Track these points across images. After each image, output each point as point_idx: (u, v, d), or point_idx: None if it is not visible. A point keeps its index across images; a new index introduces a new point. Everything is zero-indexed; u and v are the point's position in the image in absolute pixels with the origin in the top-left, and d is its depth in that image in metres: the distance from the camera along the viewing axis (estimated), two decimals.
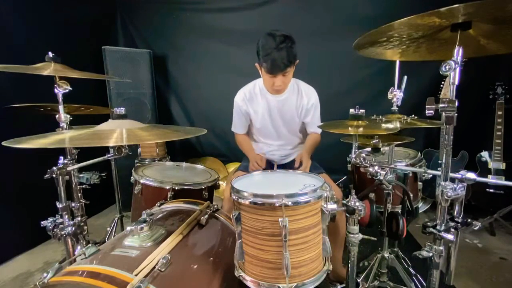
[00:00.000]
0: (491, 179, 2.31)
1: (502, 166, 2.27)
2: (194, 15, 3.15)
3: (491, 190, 2.29)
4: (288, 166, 1.83)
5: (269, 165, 1.84)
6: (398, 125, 1.27)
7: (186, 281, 0.89)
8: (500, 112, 2.28)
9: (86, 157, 1.30)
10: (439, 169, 0.92)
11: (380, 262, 1.57)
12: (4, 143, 0.81)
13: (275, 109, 1.67)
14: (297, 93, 1.66)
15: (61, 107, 1.29)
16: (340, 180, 2.53)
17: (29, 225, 1.87)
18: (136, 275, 0.78)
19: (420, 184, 1.72)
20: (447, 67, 0.82)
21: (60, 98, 1.28)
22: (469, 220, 0.90)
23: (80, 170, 1.38)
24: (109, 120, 1.04)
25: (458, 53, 0.83)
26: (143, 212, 1.10)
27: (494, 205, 2.28)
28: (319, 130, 1.74)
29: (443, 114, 0.84)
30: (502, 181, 2.15)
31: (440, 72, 0.84)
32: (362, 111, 1.37)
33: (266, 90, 1.65)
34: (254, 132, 1.86)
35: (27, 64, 1.26)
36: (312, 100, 1.68)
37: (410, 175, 1.60)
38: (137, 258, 0.86)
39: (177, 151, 3.46)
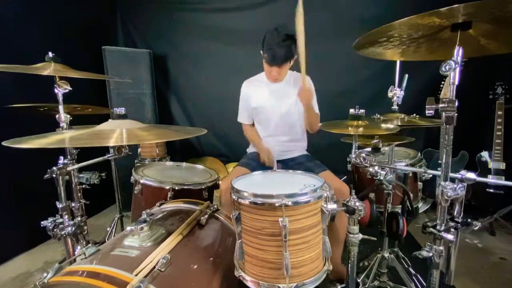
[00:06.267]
0: (491, 179, 2.30)
1: (502, 166, 2.27)
2: (194, 15, 3.15)
3: (491, 190, 2.29)
4: (288, 162, 1.84)
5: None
6: (398, 123, 1.28)
7: (186, 281, 0.89)
8: (500, 112, 2.28)
9: (86, 157, 1.30)
10: (439, 169, 0.92)
11: (380, 262, 1.57)
12: (4, 143, 0.81)
13: (274, 95, 1.79)
14: (293, 84, 1.79)
15: (61, 107, 1.29)
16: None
17: (29, 225, 1.87)
18: (136, 275, 0.78)
19: (420, 184, 1.72)
20: (447, 67, 0.82)
21: (60, 98, 1.28)
22: (469, 220, 0.90)
23: (80, 170, 1.37)
24: (109, 120, 1.04)
25: (458, 53, 0.83)
26: (143, 212, 1.10)
27: (494, 205, 2.27)
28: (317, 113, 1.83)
29: (443, 114, 0.84)
30: (502, 181, 2.14)
31: (440, 72, 0.84)
32: (362, 111, 1.37)
33: (267, 79, 1.80)
34: (254, 120, 1.90)
35: (27, 64, 1.26)
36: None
37: (410, 175, 1.60)
38: (137, 258, 0.86)
39: (177, 151, 3.46)
